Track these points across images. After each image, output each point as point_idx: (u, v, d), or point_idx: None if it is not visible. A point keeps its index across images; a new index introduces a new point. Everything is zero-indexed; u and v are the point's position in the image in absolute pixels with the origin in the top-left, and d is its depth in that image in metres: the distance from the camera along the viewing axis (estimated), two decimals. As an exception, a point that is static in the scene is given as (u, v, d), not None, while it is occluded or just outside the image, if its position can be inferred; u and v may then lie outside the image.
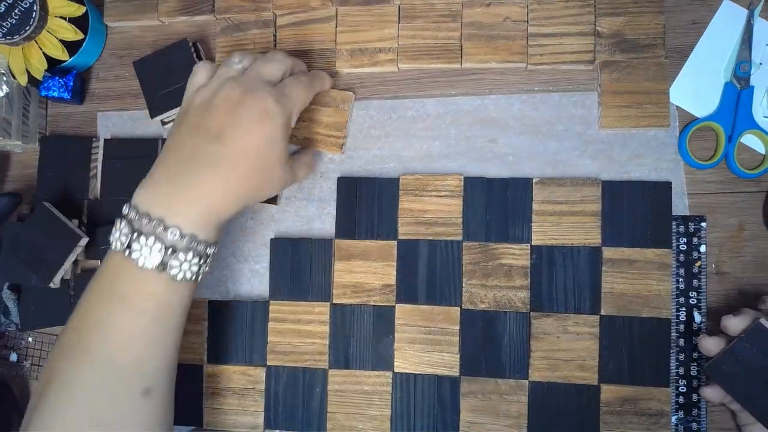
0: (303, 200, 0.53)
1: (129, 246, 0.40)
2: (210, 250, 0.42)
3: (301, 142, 0.52)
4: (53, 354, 0.42)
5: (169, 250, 0.40)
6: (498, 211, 0.50)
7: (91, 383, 0.40)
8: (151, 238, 0.40)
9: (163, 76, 0.54)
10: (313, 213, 0.53)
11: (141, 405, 0.41)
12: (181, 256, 0.40)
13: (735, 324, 0.43)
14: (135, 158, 0.55)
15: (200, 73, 0.46)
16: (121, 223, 0.41)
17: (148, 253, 0.40)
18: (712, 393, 0.45)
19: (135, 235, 0.40)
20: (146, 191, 0.42)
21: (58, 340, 0.42)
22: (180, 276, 0.41)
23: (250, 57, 0.46)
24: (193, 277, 0.42)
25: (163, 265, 0.40)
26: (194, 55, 0.54)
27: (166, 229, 0.40)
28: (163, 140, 0.55)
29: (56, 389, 0.40)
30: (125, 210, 0.42)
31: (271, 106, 0.43)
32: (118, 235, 0.41)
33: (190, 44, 0.54)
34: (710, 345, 0.44)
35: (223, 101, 0.42)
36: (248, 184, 0.43)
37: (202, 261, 0.42)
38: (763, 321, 0.42)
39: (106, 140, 0.56)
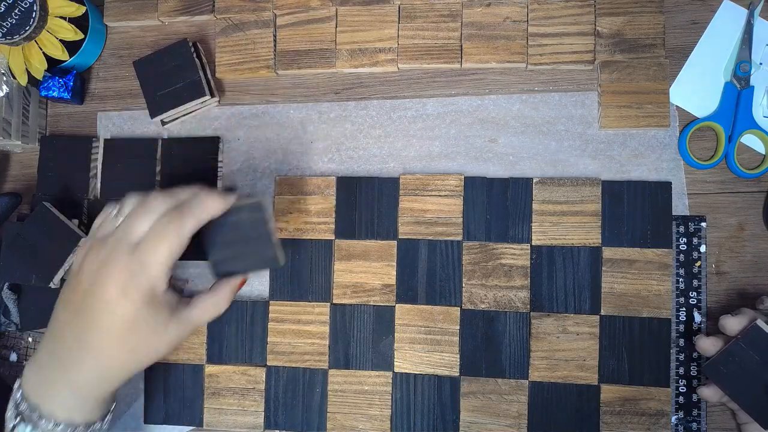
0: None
1: (13, 429, 0.41)
2: (95, 428, 0.43)
3: (292, 234, 0.52)
4: None
5: (27, 426, 0.40)
6: (498, 211, 0.50)
7: None
8: (29, 426, 0.40)
9: (163, 76, 0.54)
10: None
11: None
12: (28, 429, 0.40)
13: (732, 324, 0.43)
14: (135, 158, 0.55)
15: (95, 222, 0.44)
16: (10, 402, 0.42)
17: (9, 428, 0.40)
18: (709, 393, 0.45)
19: (17, 419, 0.41)
20: (29, 372, 0.42)
21: None
22: None
23: (130, 205, 0.42)
24: None
25: None
26: (194, 55, 0.54)
27: (41, 417, 0.40)
28: (163, 140, 0.55)
29: None
30: (16, 386, 0.42)
31: (127, 282, 0.39)
32: (9, 414, 0.42)
33: (190, 44, 0.54)
34: (707, 345, 0.45)
35: (85, 275, 0.40)
36: (118, 366, 0.41)
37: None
38: (759, 322, 0.42)
39: (106, 140, 0.56)
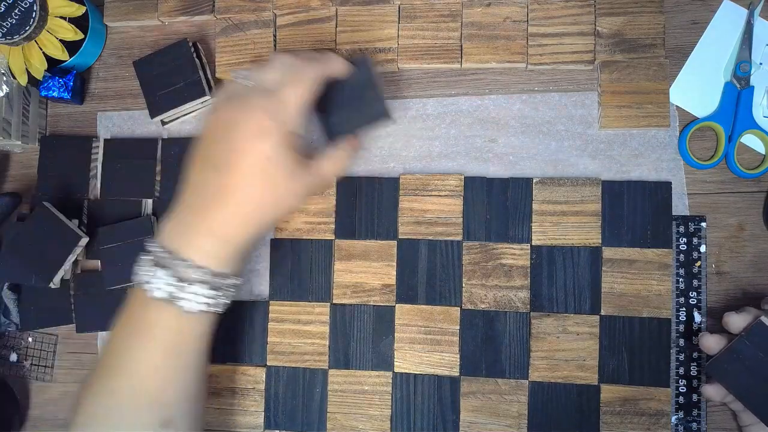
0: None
1: (148, 277, 0.41)
2: (228, 281, 0.42)
3: (292, 234, 0.52)
4: (81, 387, 0.43)
5: (182, 283, 0.40)
6: (498, 211, 0.50)
7: (111, 415, 0.41)
8: (167, 271, 0.40)
9: (163, 76, 0.54)
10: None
11: None
12: (191, 288, 0.40)
13: (736, 321, 0.43)
14: (135, 158, 0.55)
15: (218, 93, 0.46)
16: (139, 263, 0.42)
17: (160, 285, 0.40)
18: (713, 391, 0.45)
19: (152, 264, 0.41)
20: (166, 226, 0.43)
21: (88, 375, 0.43)
22: (188, 307, 0.41)
23: (256, 69, 0.45)
24: (204, 309, 0.42)
25: (172, 297, 0.40)
26: (194, 55, 0.54)
27: (180, 261, 0.40)
28: (163, 140, 0.55)
29: (79, 424, 0.41)
30: (149, 244, 0.42)
31: (265, 121, 0.41)
32: (137, 267, 0.42)
33: (190, 44, 0.54)
34: (711, 343, 0.44)
35: (220, 127, 0.42)
36: (259, 209, 0.42)
37: (217, 293, 0.42)
38: (764, 319, 0.42)
39: (106, 140, 0.56)
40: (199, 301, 0.41)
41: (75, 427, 0.41)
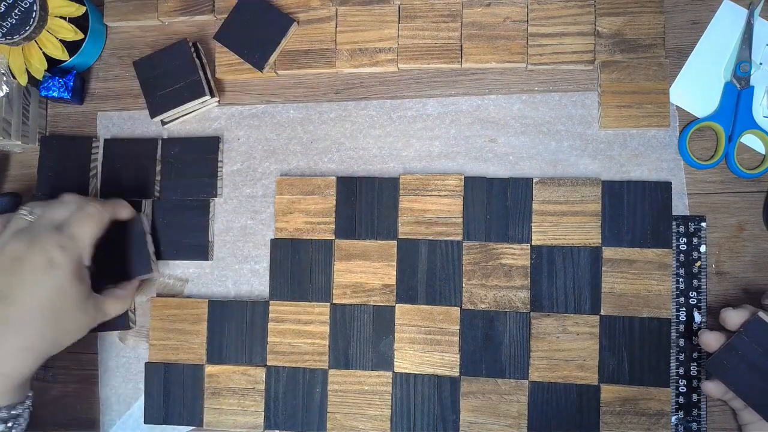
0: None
1: None
2: (15, 411, 0.42)
3: (292, 234, 0.52)
4: None
5: None
6: (498, 211, 0.50)
7: None
8: None
9: (163, 76, 0.54)
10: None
11: None
12: None
13: (733, 317, 0.43)
14: (135, 158, 0.55)
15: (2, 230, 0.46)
16: None
17: None
18: (713, 388, 0.45)
19: None
20: None
21: None
22: None
23: (40, 206, 0.46)
24: None
25: None
26: (194, 55, 0.54)
27: None
28: (163, 140, 0.55)
29: None
30: None
31: (57, 254, 0.42)
32: None
33: (190, 44, 0.54)
34: (711, 340, 0.44)
35: (9, 259, 0.42)
36: (42, 340, 0.43)
37: (10, 424, 0.42)
38: (762, 315, 0.42)
39: (105, 140, 0.56)
40: None
41: None
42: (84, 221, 0.45)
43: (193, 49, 0.54)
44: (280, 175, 0.54)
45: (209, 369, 0.52)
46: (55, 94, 0.55)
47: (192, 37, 0.56)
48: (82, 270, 0.44)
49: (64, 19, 0.53)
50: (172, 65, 0.54)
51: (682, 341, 0.48)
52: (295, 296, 0.52)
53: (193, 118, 0.56)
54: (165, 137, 0.56)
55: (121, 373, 0.55)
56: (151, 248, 0.52)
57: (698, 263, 0.49)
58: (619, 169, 0.50)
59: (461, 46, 0.52)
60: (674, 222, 0.49)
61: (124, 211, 0.50)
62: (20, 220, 0.45)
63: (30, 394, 0.45)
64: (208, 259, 0.54)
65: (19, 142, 0.55)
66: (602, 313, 0.49)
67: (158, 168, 0.55)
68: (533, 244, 0.50)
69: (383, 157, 0.53)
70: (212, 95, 0.54)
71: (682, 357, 0.48)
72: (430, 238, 0.51)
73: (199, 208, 0.54)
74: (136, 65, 0.55)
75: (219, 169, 0.54)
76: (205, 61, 0.55)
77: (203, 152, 0.54)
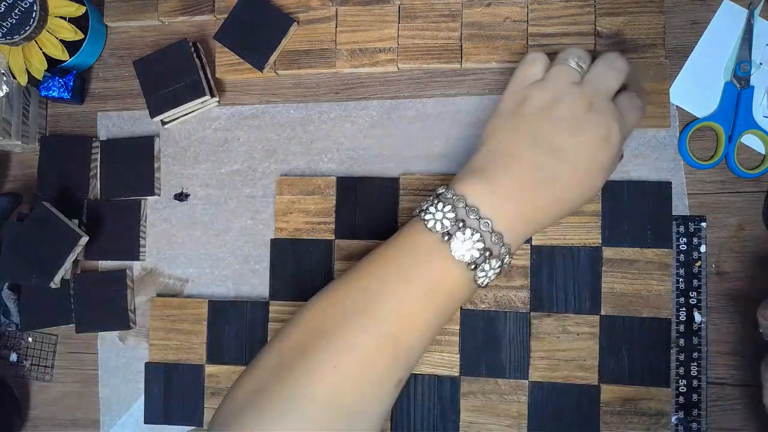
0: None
1: (449, 234, 0.38)
2: (507, 260, 0.40)
3: (292, 234, 0.52)
4: (324, 305, 0.39)
5: (487, 252, 0.38)
6: (498, 211, 0.50)
7: (360, 355, 0.37)
8: (476, 234, 0.37)
9: (163, 76, 0.54)
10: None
11: (392, 395, 0.39)
12: (492, 262, 0.38)
13: None
14: (135, 158, 0.55)
15: (536, 65, 0.42)
16: (444, 206, 0.39)
17: (467, 248, 0.37)
18: None
19: (460, 224, 0.38)
20: (480, 186, 0.39)
21: (330, 291, 0.40)
22: (482, 281, 0.39)
23: (588, 57, 0.42)
24: (488, 284, 0.40)
25: (474, 265, 0.38)
26: (194, 55, 0.54)
27: (481, 219, 0.38)
28: (160, 137, 0.55)
29: (324, 348, 0.37)
30: (448, 194, 0.39)
31: (614, 133, 0.40)
32: (441, 217, 0.38)
33: (190, 44, 0.54)
34: None
35: (567, 115, 0.39)
36: (570, 205, 0.41)
37: (501, 267, 0.39)
38: None
39: (102, 141, 0.56)
40: (491, 276, 0.39)
41: (318, 350, 0.37)
42: (636, 111, 0.42)
43: (193, 49, 0.54)
44: (280, 175, 0.54)
45: (209, 369, 0.52)
46: (55, 94, 0.55)
47: (192, 37, 0.56)
48: (620, 155, 0.42)
49: (64, 19, 0.53)
50: (172, 65, 0.54)
51: (682, 341, 0.48)
52: (295, 296, 0.52)
53: (193, 118, 0.56)
54: (162, 131, 0.56)
55: (121, 373, 0.55)
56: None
57: (698, 263, 0.49)
58: (619, 169, 0.50)
59: (461, 46, 0.52)
60: (674, 222, 0.49)
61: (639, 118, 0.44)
62: (569, 69, 0.41)
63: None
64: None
65: (19, 142, 0.55)
66: (602, 313, 0.49)
67: (157, 165, 0.55)
68: (533, 244, 0.50)
69: (383, 157, 0.53)
70: (212, 95, 0.54)
71: (682, 357, 0.48)
72: (430, 238, 0.51)
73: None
74: (136, 65, 0.55)
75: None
76: (205, 61, 0.55)
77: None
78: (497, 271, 0.39)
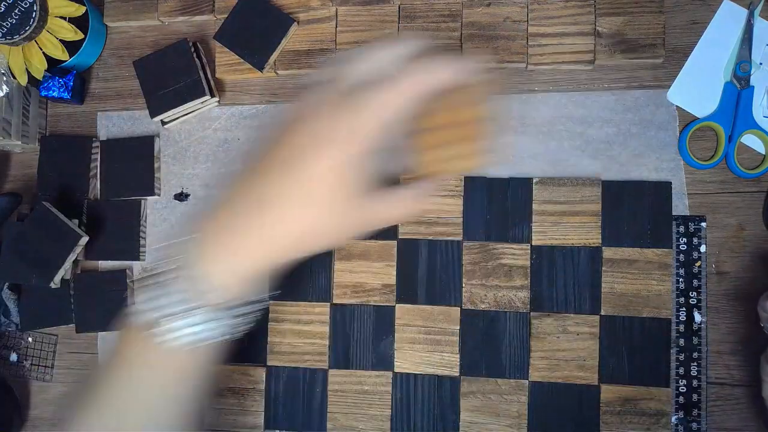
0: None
1: (155, 301, 0.35)
2: (245, 310, 0.37)
3: None
4: (65, 402, 0.40)
5: (197, 304, 0.35)
6: (498, 211, 0.50)
7: None
8: (183, 290, 0.35)
9: (163, 76, 0.54)
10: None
11: None
12: (209, 313, 0.35)
13: None
14: (135, 158, 0.55)
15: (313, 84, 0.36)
16: (164, 264, 0.36)
17: (177, 300, 0.35)
18: None
19: (172, 280, 0.35)
20: (195, 242, 0.36)
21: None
22: (204, 335, 0.36)
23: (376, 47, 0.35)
24: (225, 336, 0.37)
25: (185, 323, 0.35)
26: (194, 55, 0.54)
27: (197, 281, 0.35)
28: (160, 137, 0.55)
29: None
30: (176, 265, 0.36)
31: (344, 125, 0.33)
32: (158, 278, 0.36)
33: (190, 44, 0.54)
34: None
35: (287, 122, 0.35)
36: (303, 236, 0.35)
37: (237, 317, 0.37)
38: None
39: (102, 141, 0.56)
40: (213, 327, 0.36)
41: None
42: (380, 94, 0.33)
43: (193, 49, 0.54)
44: (280, 175, 0.54)
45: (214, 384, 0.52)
46: (55, 94, 0.55)
47: (192, 37, 0.56)
48: (366, 157, 0.33)
49: (64, 19, 0.53)
50: (172, 65, 0.54)
51: (682, 341, 0.48)
52: (295, 296, 0.52)
53: (193, 118, 0.56)
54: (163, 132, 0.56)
55: (121, 373, 0.55)
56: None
57: (698, 263, 0.49)
58: (619, 169, 0.50)
59: (461, 46, 0.52)
60: (674, 222, 0.49)
61: (447, 71, 0.33)
62: (316, 79, 0.35)
63: (266, 296, 0.38)
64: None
65: (19, 142, 0.55)
66: (602, 313, 0.49)
67: (157, 165, 0.55)
68: (533, 244, 0.50)
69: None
70: (212, 95, 0.54)
71: (682, 357, 0.48)
72: (430, 238, 0.51)
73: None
74: (136, 65, 0.55)
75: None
76: (205, 61, 0.55)
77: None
78: (223, 323, 0.36)
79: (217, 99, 0.55)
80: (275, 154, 0.34)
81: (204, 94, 0.53)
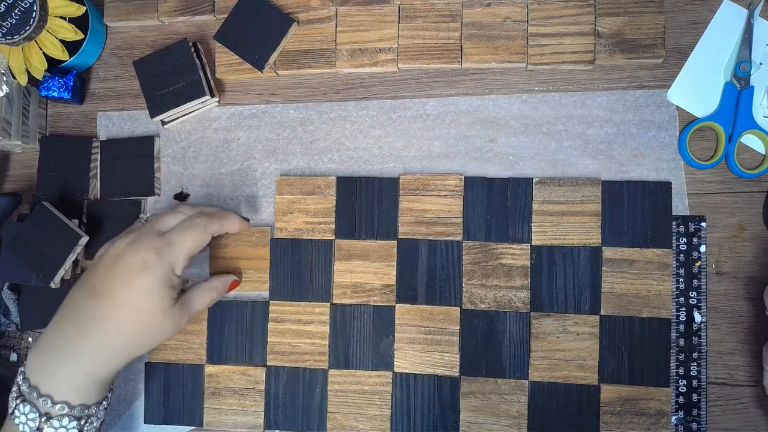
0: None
1: (14, 410, 0.41)
2: (89, 411, 0.43)
3: (292, 234, 0.52)
4: None
5: (44, 418, 0.41)
6: (498, 211, 0.50)
7: None
8: (28, 406, 0.41)
9: (163, 76, 0.54)
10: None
11: None
12: (54, 423, 0.41)
13: None
14: (135, 158, 0.55)
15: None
16: (14, 386, 0.43)
17: (25, 420, 0.41)
18: None
19: (18, 400, 0.41)
20: (33, 355, 0.43)
21: None
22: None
23: (157, 214, 0.48)
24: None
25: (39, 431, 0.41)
26: (194, 55, 0.54)
27: (39, 397, 0.41)
28: (160, 137, 0.55)
29: None
30: (21, 369, 0.43)
31: (150, 257, 0.43)
32: (10, 398, 0.42)
33: (190, 44, 0.54)
34: None
35: (108, 256, 0.44)
36: (128, 344, 0.43)
37: (84, 422, 0.42)
38: None
39: (102, 142, 0.56)
40: None
41: None
42: (186, 231, 0.45)
43: (193, 49, 0.54)
44: (280, 175, 0.54)
45: (209, 369, 0.52)
46: (55, 94, 0.55)
47: (192, 37, 0.56)
48: (173, 277, 0.44)
49: (64, 19, 0.53)
50: (172, 65, 0.54)
51: (682, 341, 0.48)
52: (295, 296, 0.52)
53: (193, 118, 0.56)
54: (162, 133, 0.56)
55: (121, 373, 0.55)
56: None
57: (698, 263, 0.49)
58: (619, 169, 0.50)
59: (461, 46, 0.52)
60: (674, 222, 0.49)
61: (233, 224, 0.49)
62: (136, 224, 0.48)
63: (109, 394, 0.45)
64: None
65: (19, 142, 0.55)
66: (602, 313, 0.49)
67: (156, 165, 0.55)
68: (533, 244, 0.50)
69: (383, 157, 0.53)
70: (212, 95, 0.54)
71: (682, 357, 0.48)
72: (430, 238, 0.51)
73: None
74: (136, 65, 0.55)
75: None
76: (205, 61, 0.55)
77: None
78: (74, 425, 0.41)
79: (217, 99, 0.55)
80: (103, 276, 0.43)
81: (204, 94, 0.53)
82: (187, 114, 0.55)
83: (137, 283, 0.42)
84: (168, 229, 0.46)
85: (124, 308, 0.42)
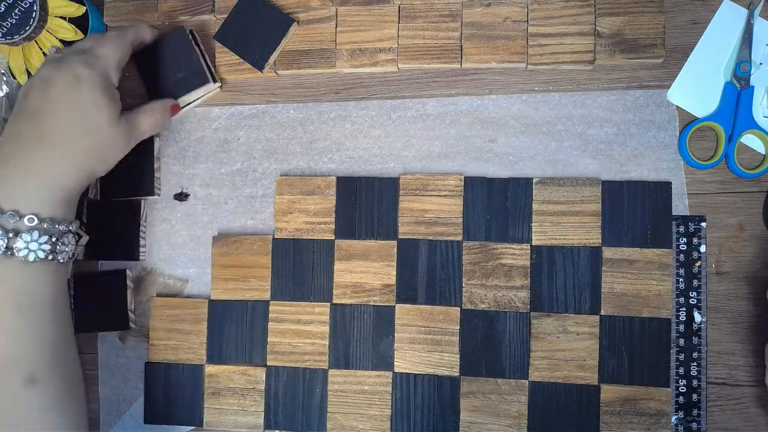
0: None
1: None
2: (62, 227, 0.43)
3: (292, 234, 0.52)
4: None
5: (10, 234, 0.41)
6: (498, 211, 0.50)
7: None
8: None
9: (164, 67, 0.54)
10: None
11: (24, 394, 0.41)
12: (25, 236, 0.41)
13: None
14: (135, 158, 0.55)
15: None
16: None
17: None
18: None
19: None
20: None
21: None
22: (31, 257, 0.41)
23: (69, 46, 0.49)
24: (49, 257, 0.42)
25: (9, 250, 0.41)
26: (192, 43, 0.53)
27: (3, 213, 0.41)
28: (160, 136, 0.55)
29: None
30: None
31: (81, 70, 0.44)
32: None
33: (188, 32, 0.54)
34: None
35: (39, 81, 0.44)
36: (82, 152, 0.44)
37: (54, 239, 0.42)
38: None
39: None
40: (36, 248, 0.41)
41: None
42: (106, 42, 0.47)
43: (191, 37, 0.54)
44: (280, 175, 0.54)
45: (209, 369, 0.52)
46: (55, 94, 0.55)
47: (192, 37, 0.56)
48: (110, 87, 0.46)
49: (64, 19, 0.53)
50: (172, 55, 0.54)
51: (682, 341, 0.48)
52: (295, 296, 0.52)
53: (193, 118, 0.56)
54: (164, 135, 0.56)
55: (121, 373, 0.55)
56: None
57: (698, 263, 0.49)
58: (619, 169, 0.50)
59: (461, 46, 0.52)
60: (674, 222, 0.49)
61: (146, 32, 0.52)
62: (50, 56, 0.48)
63: (81, 232, 0.46)
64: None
65: (19, 142, 0.55)
66: (602, 313, 0.49)
67: (157, 165, 0.55)
68: (533, 244, 0.50)
69: (383, 157, 0.53)
70: (214, 80, 0.54)
71: (682, 357, 0.48)
72: (430, 238, 0.51)
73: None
74: (135, 58, 0.55)
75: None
76: (203, 48, 0.55)
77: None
78: (45, 239, 0.42)
79: (219, 84, 0.55)
80: (38, 98, 0.43)
81: (207, 81, 0.53)
82: (190, 104, 0.55)
83: (77, 95, 0.43)
84: (87, 48, 0.47)
85: (70, 123, 0.43)
